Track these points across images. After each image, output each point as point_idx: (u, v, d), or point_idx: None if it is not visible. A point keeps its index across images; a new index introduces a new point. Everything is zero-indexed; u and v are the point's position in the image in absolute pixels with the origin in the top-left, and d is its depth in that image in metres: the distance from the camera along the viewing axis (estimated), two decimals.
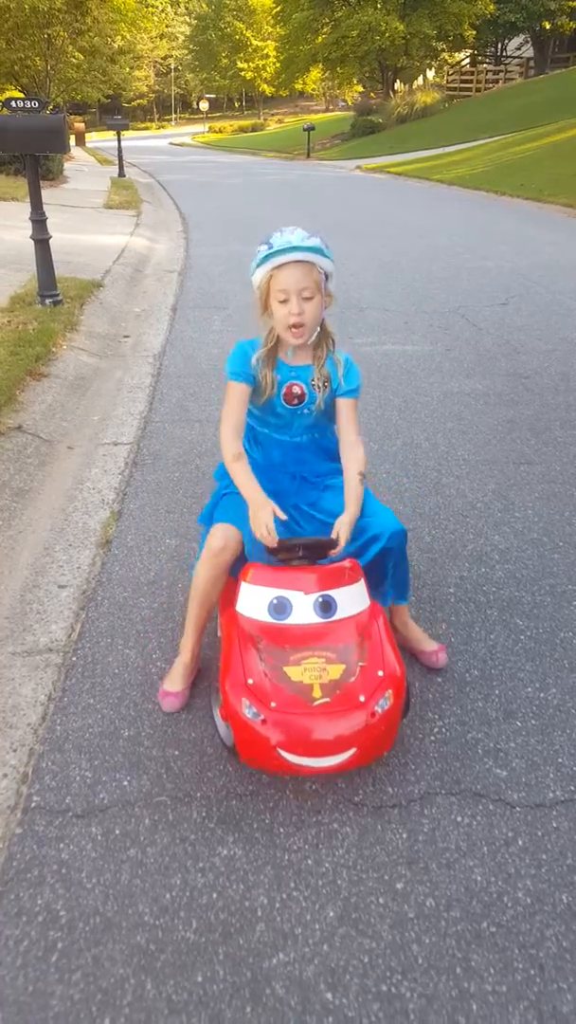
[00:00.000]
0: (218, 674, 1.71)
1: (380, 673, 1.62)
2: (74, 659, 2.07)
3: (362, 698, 1.58)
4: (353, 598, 1.73)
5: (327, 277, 1.82)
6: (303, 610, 1.69)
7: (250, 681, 1.60)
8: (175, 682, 1.93)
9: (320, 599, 1.70)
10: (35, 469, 3.15)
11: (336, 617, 1.69)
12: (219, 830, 1.59)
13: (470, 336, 5.07)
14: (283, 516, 1.77)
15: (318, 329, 1.86)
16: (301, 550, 1.75)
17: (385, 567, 1.87)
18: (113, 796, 1.66)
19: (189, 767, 1.74)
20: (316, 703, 1.56)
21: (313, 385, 1.87)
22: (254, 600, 1.72)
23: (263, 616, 1.70)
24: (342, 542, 1.77)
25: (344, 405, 1.92)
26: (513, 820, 1.62)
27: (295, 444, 1.96)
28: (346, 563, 1.77)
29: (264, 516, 1.73)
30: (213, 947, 1.37)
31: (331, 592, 1.71)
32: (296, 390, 1.88)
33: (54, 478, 3.11)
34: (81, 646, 2.12)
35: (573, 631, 2.20)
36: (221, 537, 1.80)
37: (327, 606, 1.69)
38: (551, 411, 3.80)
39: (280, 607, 1.69)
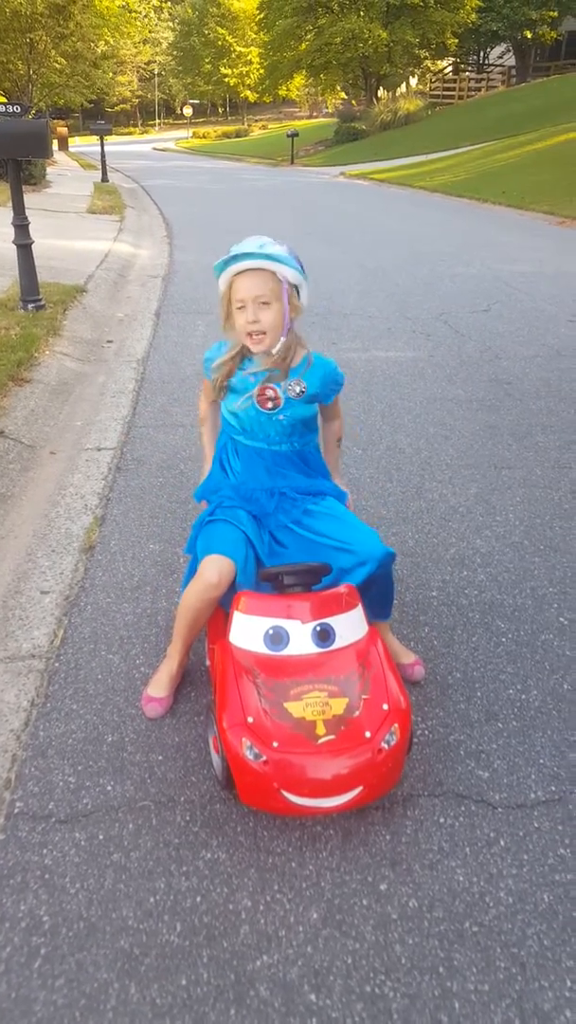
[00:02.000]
0: (212, 706, 1.67)
1: (385, 707, 1.57)
2: (57, 665, 2.07)
3: (368, 734, 1.53)
4: (352, 625, 1.68)
5: (297, 288, 1.83)
6: (301, 640, 1.63)
7: (250, 719, 1.54)
8: (160, 688, 1.92)
9: (318, 627, 1.64)
10: (17, 475, 3.14)
11: (335, 646, 1.64)
12: (203, 834, 1.59)
13: (453, 342, 5.12)
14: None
15: (282, 339, 1.84)
16: (289, 577, 1.71)
17: (370, 591, 1.81)
18: (97, 801, 1.65)
19: (173, 772, 1.74)
20: (320, 741, 1.51)
21: (287, 389, 1.87)
22: (249, 631, 1.66)
23: (259, 647, 1.64)
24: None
25: (331, 404, 2.02)
26: (495, 821, 1.64)
27: (274, 453, 1.92)
28: (342, 588, 1.72)
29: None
30: (197, 950, 1.37)
31: (329, 620, 1.66)
32: (270, 393, 1.87)
33: (37, 484, 3.10)
34: (64, 652, 2.12)
35: (554, 633, 2.23)
36: (216, 571, 1.74)
37: (325, 635, 1.64)
38: (532, 416, 3.84)
39: (277, 637, 1.64)
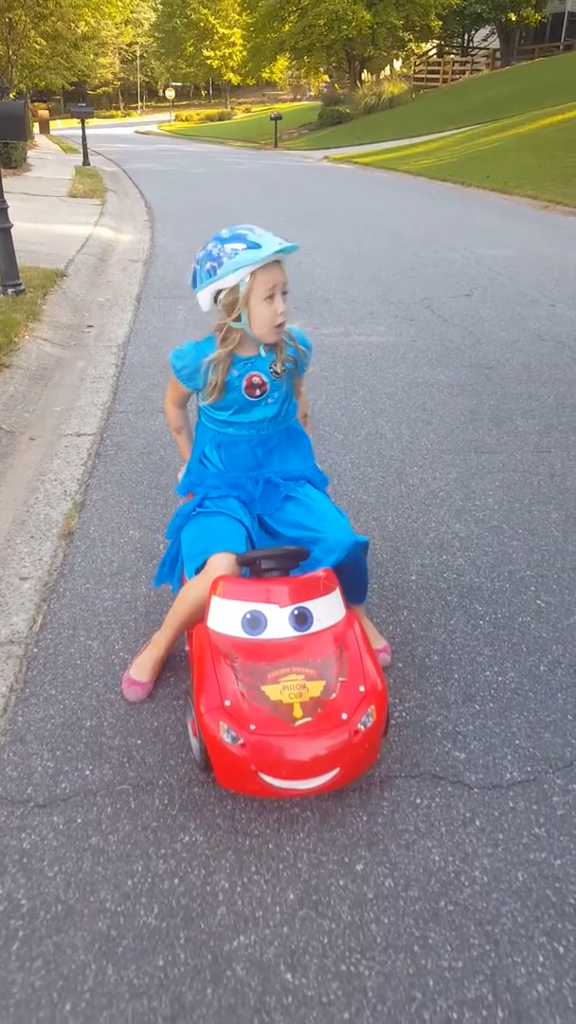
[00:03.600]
0: (190, 690, 1.68)
1: (362, 688, 1.58)
2: (36, 650, 2.06)
3: (344, 716, 1.54)
4: (329, 608, 1.69)
5: None
6: (278, 624, 1.64)
7: (227, 703, 1.54)
8: (143, 673, 1.92)
9: (296, 611, 1.65)
10: None
11: (313, 629, 1.65)
12: (181, 817, 1.60)
13: (435, 327, 5.11)
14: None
15: None
16: (267, 561, 1.72)
17: (342, 577, 1.79)
18: (75, 785, 1.66)
19: (151, 756, 1.74)
20: (297, 723, 1.52)
21: (272, 372, 1.85)
22: (226, 615, 1.66)
23: (237, 632, 1.64)
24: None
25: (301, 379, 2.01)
26: (471, 801, 1.65)
27: (262, 438, 1.92)
28: (320, 572, 1.72)
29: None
30: (174, 931, 1.38)
31: (307, 604, 1.66)
32: (256, 380, 1.85)
33: (16, 469, 3.08)
34: (43, 637, 2.11)
35: (531, 616, 2.25)
36: (226, 569, 1.73)
37: (303, 618, 1.65)
38: (512, 401, 3.85)
39: (254, 622, 1.64)
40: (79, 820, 1.58)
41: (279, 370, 1.85)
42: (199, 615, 1.83)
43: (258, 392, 1.86)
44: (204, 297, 1.80)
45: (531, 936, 1.39)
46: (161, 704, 1.89)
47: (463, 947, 1.37)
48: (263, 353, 1.85)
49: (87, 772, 1.69)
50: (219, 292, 1.77)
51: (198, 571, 1.79)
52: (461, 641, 2.14)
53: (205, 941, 1.36)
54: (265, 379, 1.85)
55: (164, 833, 1.56)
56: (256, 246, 1.71)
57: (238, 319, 1.77)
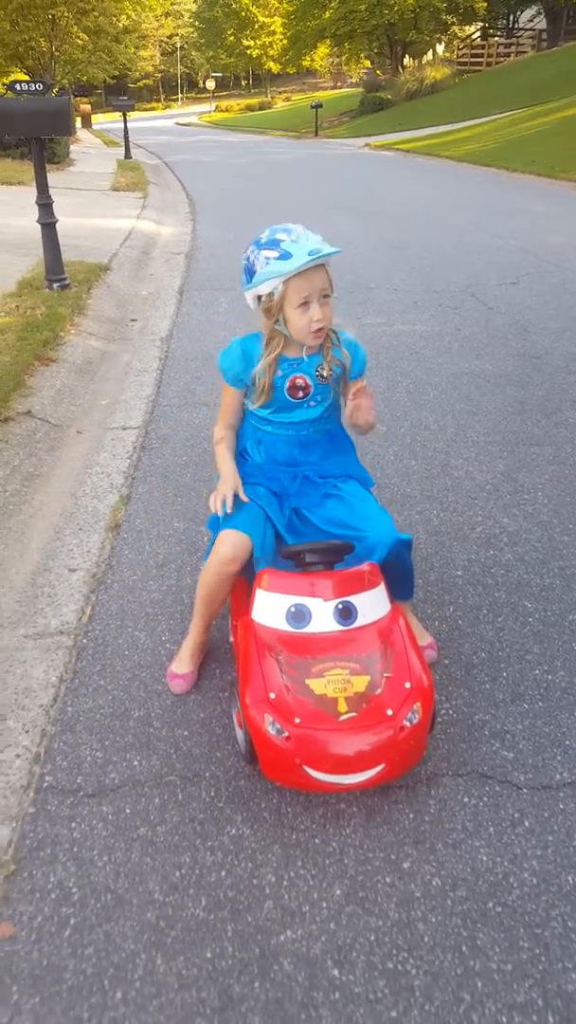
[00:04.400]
0: (236, 682, 1.68)
1: (407, 685, 1.57)
2: (85, 641, 2.09)
3: (390, 712, 1.53)
4: (374, 603, 1.68)
5: None
6: (323, 618, 1.64)
7: (272, 695, 1.54)
8: (183, 664, 1.94)
9: (340, 605, 1.65)
10: (45, 454, 3.16)
11: (357, 624, 1.65)
12: (228, 809, 1.61)
13: (480, 316, 5.03)
14: (244, 498, 1.78)
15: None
16: (312, 555, 1.71)
17: (386, 575, 1.77)
18: (123, 776, 1.68)
19: (198, 747, 1.75)
20: (342, 718, 1.51)
21: (317, 375, 1.83)
22: (271, 608, 1.67)
23: (281, 625, 1.65)
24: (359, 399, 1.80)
25: (350, 386, 1.90)
26: (520, 802, 1.63)
27: (301, 438, 1.91)
28: (365, 566, 1.71)
29: (224, 489, 1.77)
30: (222, 924, 1.39)
31: (351, 598, 1.66)
32: (300, 382, 1.83)
33: (63, 463, 3.12)
34: (92, 628, 2.14)
35: None
36: (230, 546, 1.74)
37: (347, 613, 1.65)
38: (561, 392, 3.77)
39: (299, 615, 1.64)
40: (127, 810, 1.60)
41: (325, 374, 1.83)
42: (220, 596, 1.86)
43: (300, 394, 1.85)
44: (248, 299, 1.81)
45: None
46: (207, 696, 1.91)
47: (512, 949, 1.36)
48: (305, 356, 1.82)
49: (135, 763, 1.71)
50: (259, 296, 1.76)
51: None
52: (509, 639, 2.10)
53: (252, 935, 1.37)
54: (309, 382, 1.84)
55: (211, 825, 1.57)
56: (287, 255, 1.67)
57: (278, 322, 1.76)
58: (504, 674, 1.98)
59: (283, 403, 1.86)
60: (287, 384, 1.83)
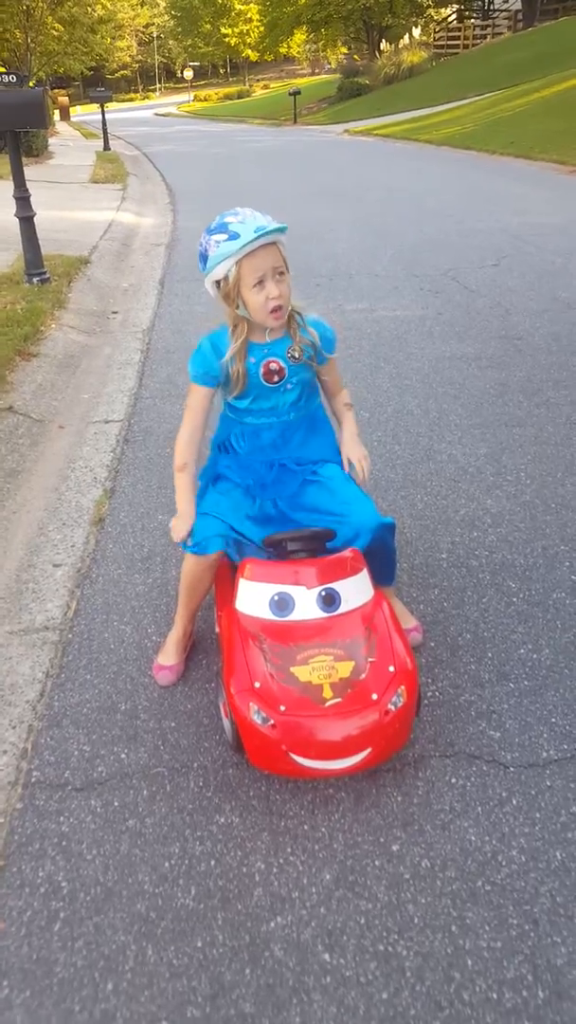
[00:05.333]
0: (221, 672, 1.69)
1: (391, 668, 1.57)
2: (70, 636, 2.08)
3: (374, 696, 1.53)
4: (357, 589, 1.68)
5: None
6: (306, 605, 1.64)
7: (256, 684, 1.55)
8: (169, 656, 1.94)
9: (323, 592, 1.65)
10: (27, 449, 3.14)
11: (341, 611, 1.65)
12: (216, 799, 1.61)
13: (462, 299, 5.03)
14: (187, 539, 1.80)
15: (290, 305, 1.81)
16: (293, 543, 1.71)
17: (369, 560, 1.77)
18: (111, 769, 1.67)
19: (186, 738, 1.75)
20: (327, 704, 1.52)
21: (289, 356, 1.82)
22: (254, 597, 1.67)
23: (265, 614, 1.65)
24: (358, 465, 1.87)
25: (323, 369, 1.92)
26: (507, 780, 1.64)
27: (282, 424, 1.90)
28: (347, 552, 1.72)
29: (182, 530, 1.81)
30: (212, 913, 1.39)
31: (334, 585, 1.66)
32: (274, 366, 1.82)
33: (46, 458, 3.10)
34: (77, 623, 2.13)
35: (566, 592, 2.21)
36: (195, 564, 1.80)
37: (331, 599, 1.65)
38: (543, 372, 3.78)
39: (282, 603, 1.65)
40: (116, 803, 1.60)
41: (296, 355, 1.83)
42: (200, 588, 1.87)
43: (276, 378, 1.84)
44: (209, 289, 1.81)
45: (571, 916, 1.38)
46: (194, 687, 1.90)
47: (501, 927, 1.36)
48: (271, 339, 1.82)
49: (123, 756, 1.71)
50: (217, 283, 1.76)
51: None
52: (494, 619, 2.11)
53: (243, 922, 1.37)
54: (283, 364, 1.83)
55: (200, 815, 1.57)
56: (235, 236, 1.68)
57: (239, 307, 1.75)
58: (489, 654, 1.99)
59: (260, 390, 1.85)
60: (261, 370, 1.82)
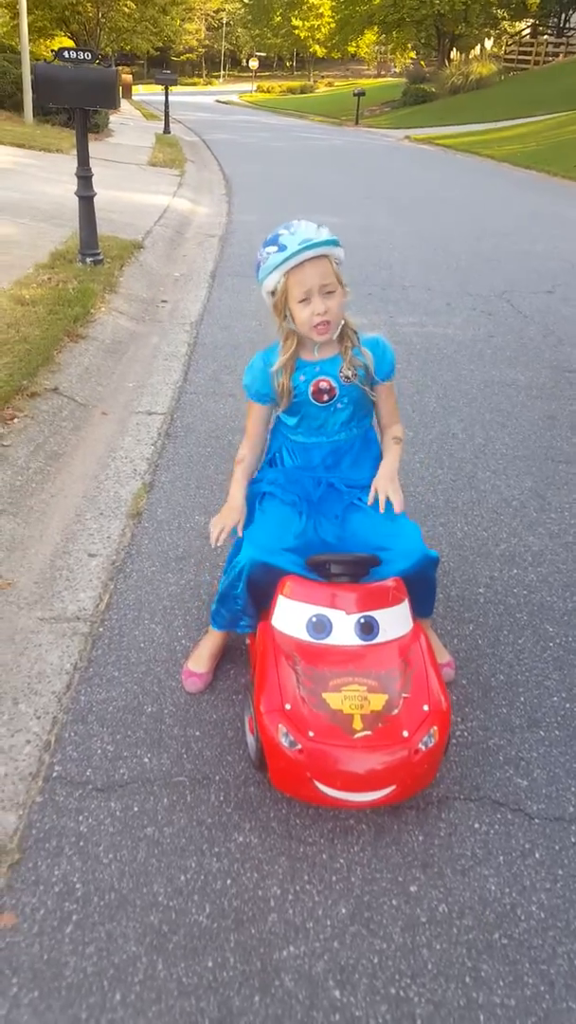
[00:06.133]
0: (250, 686, 1.67)
1: (425, 707, 1.54)
2: (101, 629, 2.08)
3: (405, 733, 1.50)
4: (396, 620, 1.65)
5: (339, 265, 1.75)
6: (344, 631, 1.61)
7: (287, 706, 1.52)
8: (200, 664, 1.93)
9: (362, 620, 1.62)
10: (69, 433, 3.14)
11: (378, 640, 1.61)
12: (236, 815, 1.59)
13: (514, 323, 4.97)
14: (239, 533, 1.77)
15: (342, 322, 1.78)
16: (337, 566, 1.68)
17: (408, 590, 1.73)
18: (133, 772, 1.67)
19: (209, 749, 1.74)
20: (357, 735, 1.49)
21: (341, 376, 1.79)
22: (292, 616, 1.64)
23: (301, 634, 1.62)
24: (382, 498, 1.75)
25: (381, 389, 1.87)
26: (531, 832, 1.61)
27: (333, 444, 1.87)
28: (390, 582, 1.68)
29: (227, 520, 1.77)
30: (225, 933, 1.38)
31: (374, 613, 1.63)
32: (324, 385, 1.79)
33: (88, 444, 3.10)
34: (108, 617, 2.13)
35: None
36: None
37: (369, 628, 1.62)
38: None
39: (320, 626, 1.62)
40: (136, 808, 1.59)
41: (349, 375, 1.79)
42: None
43: (326, 397, 1.81)
44: (266, 300, 1.79)
45: None
46: (220, 697, 1.89)
47: (516, 984, 1.34)
48: (319, 356, 1.79)
49: (145, 759, 1.70)
50: (270, 294, 1.75)
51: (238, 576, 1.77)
52: (529, 662, 2.08)
53: (255, 947, 1.36)
54: (334, 384, 1.80)
55: (219, 831, 1.56)
56: (283, 248, 1.66)
57: (287, 318, 1.74)
58: (522, 699, 1.96)
59: (309, 408, 1.82)
60: (311, 388, 1.80)
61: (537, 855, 1.56)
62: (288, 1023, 1.26)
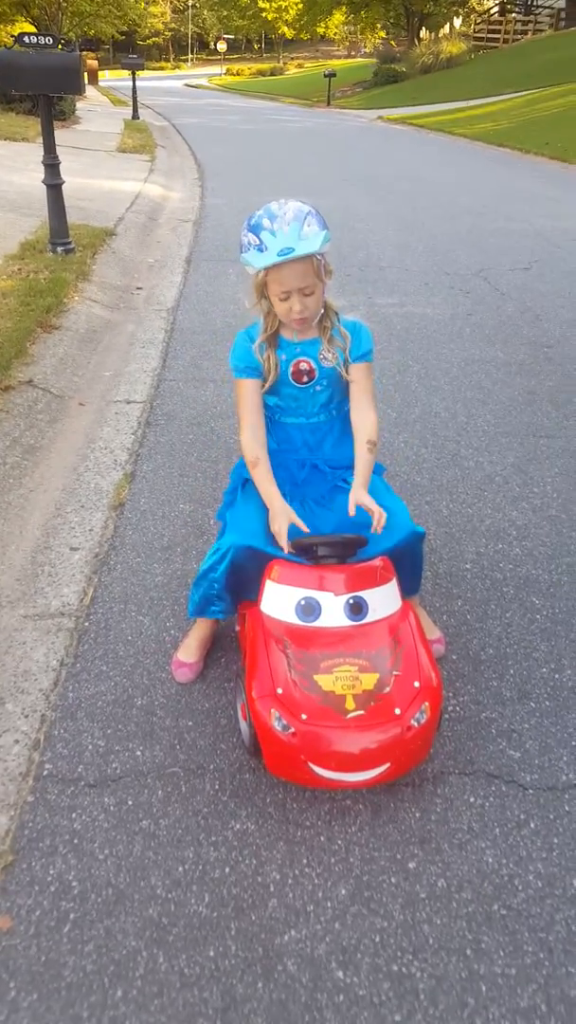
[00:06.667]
0: (242, 672, 1.66)
1: (416, 684, 1.54)
2: (87, 624, 2.05)
3: (397, 711, 1.50)
4: (385, 599, 1.64)
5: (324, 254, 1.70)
6: (333, 612, 1.61)
7: (279, 690, 1.51)
8: (190, 653, 1.91)
9: (351, 600, 1.61)
10: (46, 426, 3.09)
11: (367, 620, 1.61)
12: (232, 804, 1.58)
13: (492, 301, 4.96)
14: (303, 526, 1.67)
15: (321, 311, 1.77)
16: (324, 548, 1.66)
17: (396, 567, 1.72)
18: (126, 766, 1.65)
19: (202, 738, 1.73)
20: (349, 715, 1.49)
21: (321, 358, 1.78)
22: (280, 600, 1.64)
23: (290, 618, 1.61)
24: (353, 507, 1.69)
25: (355, 371, 1.82)
26: (526, 802, 1.61)
27: (312, 426, 1.87)
28: (377, 561, 1.68)
29: (282, 524, 1.67)
30: (225, 922, 1.37)
31: (362, 593, 1.62)
32: (304, 366, 1.79)
33: (65, 436, 3.06)
34: (94, 611, 2.10)
35: None
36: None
37: (358, 608, 1.61)
38: (573, 383, 3.72)
39: (308, 608, 1.61)
40: (130, 802, 1.57)
41: (329, 357, 1.79)
42: None
43: (305, 379, 1.80)
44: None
45: None
46: (212, 686, 1.87)
47: (517, 953, 1.34)
48: (300, 338, 1.77)
49: (138, 752, 1.68)
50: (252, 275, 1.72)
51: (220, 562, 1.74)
52: (517, 635, 2.08)
53: (256, 934, 1.35)
54: (314, 365, 1.80)
55: (215, 820, 1.55)
56: (262, 248, 1.62)
57: (266, 299, 1.73)
58: (511, 671, 1.96)
59: (289, 389, 1.82)
60: (291, 369, 1.79)
61: (532, 825, 1.57)
62: (292, 1007, 1.25)
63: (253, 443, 1.77)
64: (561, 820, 1.58)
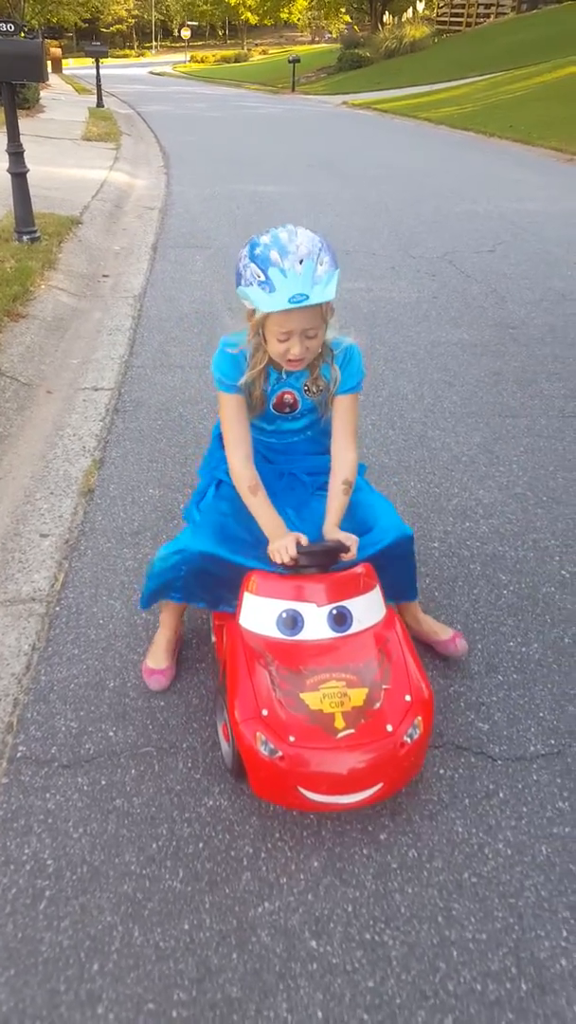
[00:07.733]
0: (222, 690, 1.60)
1: (408, 698, 1.48)
2: (58, 609, 2.05)
3: (389, 727, 1.44)
4: (369, 607, 1.59)
5: None
6: (316, 624, 1.54)
7: (264, 712, 1.44)
8: (159, 659, 1.84)
9: (334, 611, 1.55)
10: (14, 414, 3.07)
11: (352, 630, 1.55)
12: (205, 781, 1.60)
13: (457, 283, 4.99)
14: (305, 543, 1.59)
15: (319, 350, 1.65)
16: (304, 558, 1.58)
17: (389, 572, 1.68)
18: (99, 747, 1.65)
19: (175, 718, 1.74)
20: (340, 735, 1.42)
21: (305, 390, 1.72)
22: (260, 613, 1.56)
23: (271, 632, 1.54)
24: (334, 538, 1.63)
25: (340, 403, 1.72)
26: (494, 773, 1.65)
27: (285, 446, 1.82)
28: (359, 568, 1.61)
29: (287, 543, 1.57)
30: (199, 896, 1.38)
31: (345, 603, 1.56)
32: (288, 398, 1.72)
33: (34, 423, 3.04)
34: (65, 596, 2.10)
35: (555, 587, 2.22)
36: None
37: (342, 618, 1.55)
38: (537, 363, 3.77)
39: (291, 621, 1.54)
40: (103, 782, 1.58)
41: (314, 389, 1.71)
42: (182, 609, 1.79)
43: (287, 410, 1.74)
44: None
45: (555, 910, 1.39)
46: (184, 666, 1.88)
47: (487, 919, 1.38)
48: (287, 373, 1.69)
49: (111, 733, 1.69)
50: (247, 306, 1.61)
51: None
52: (484, 611, 2.11)
53: (230, 906, 1.37)
54: (297, 397, 1.72)
55: (188, 797, 1.56)
56: (271, 288, 1.47)
57: (259, 334, 1.61)
58: (479, 646, 1.99)
59: (269, 415, 1.76)
60: (274, 399, 1.72)
61: (501, 795, 1.60)
62: (267, 976, 1.28)
63: (246, 470, 1.68)
64: (529, 789, 1.62)
